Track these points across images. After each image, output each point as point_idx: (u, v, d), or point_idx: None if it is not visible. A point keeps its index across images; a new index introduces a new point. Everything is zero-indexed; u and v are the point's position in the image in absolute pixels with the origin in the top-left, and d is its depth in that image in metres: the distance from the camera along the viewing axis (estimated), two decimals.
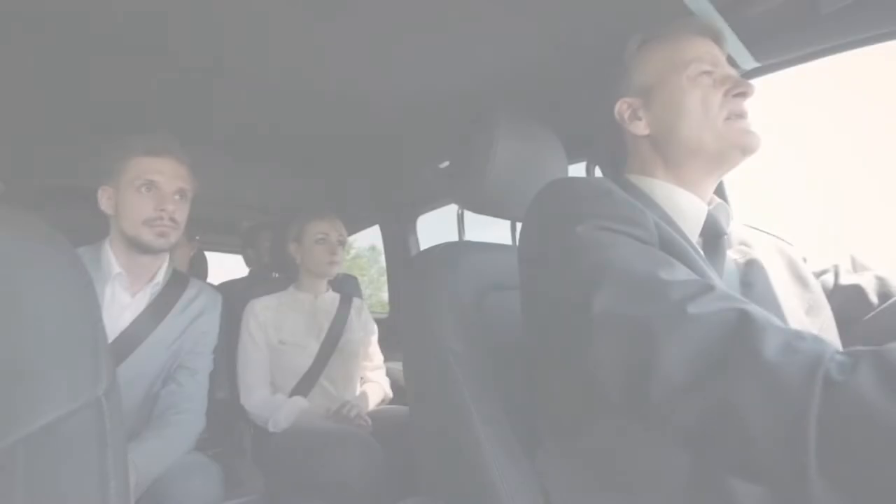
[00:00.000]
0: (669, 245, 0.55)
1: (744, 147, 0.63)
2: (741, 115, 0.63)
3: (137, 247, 1.03)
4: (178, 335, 1.12)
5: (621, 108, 0.70)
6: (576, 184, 0.60)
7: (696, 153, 0.64)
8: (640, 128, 0.68)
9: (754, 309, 0.41)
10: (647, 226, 0.54)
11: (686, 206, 0.64)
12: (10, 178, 1.57)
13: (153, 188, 1.02)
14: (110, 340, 0.96)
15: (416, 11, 0.89)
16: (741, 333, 0.39)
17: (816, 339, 0.38)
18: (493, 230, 0.99)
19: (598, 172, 1.23)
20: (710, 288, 0.45)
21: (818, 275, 0.76)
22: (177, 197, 1.05)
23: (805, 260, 0.76)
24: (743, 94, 0.63)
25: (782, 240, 0.78)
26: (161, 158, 1.03)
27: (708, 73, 0.64)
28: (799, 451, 0.34)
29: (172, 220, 1.03)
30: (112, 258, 1.04)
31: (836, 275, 0.77)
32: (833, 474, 0.33)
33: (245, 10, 0.89)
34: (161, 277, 1.11)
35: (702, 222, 0.64)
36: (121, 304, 1.04)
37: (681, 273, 0.48)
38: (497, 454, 0.61)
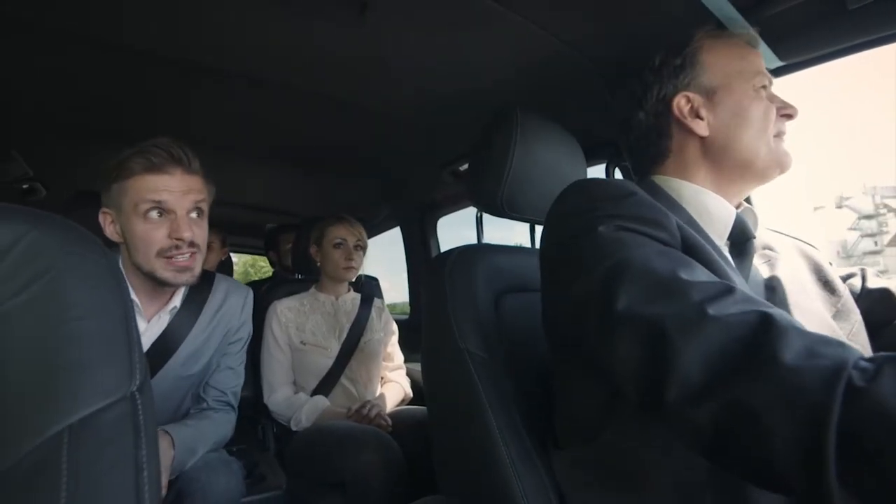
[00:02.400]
0: (693, 248, 0.54)
1: (783, 166, 0.65)
2: (783, 136, 0.65)
3: (155, 281, 0.90)
4: (208, 350, 1.04)
5: (680, 102, 0.66)
6: (598, 185, 0.60)
7: (748, 164, 0.65)
8: (701, 127, 0.65)
9: (776, 312, 0.40)
10: (670, 228, 0.54)
11: (714, 209, 0.64)
12: (51, 184, 1.65)
13: (163, 211, 0.86)
14: None
15: (437, 12, 0.89)
16: (761, 336, 0.38)
17: (841, 345, 0.38)
18: (517, 229, 0.99)
19: (618, 174, 1.22)
20: (731, 290, 0.44)
21: (844, 278, 0.74)
22: (193, 215, 0.90)
23: (831, 264, 0.74)
24: (789, 116, 0.66)
25: (807, 243, 0.77)
26: (166, 174, 0.86)
27: (766, 87, 0.66)
28: (818, 459, 0.33)
29: (192, 245, 0.88)
30: (126, 285, 0.93)
31: (864, 278, 0.75)
32: (852, 484, 0.32)
33: (267, 15, 0.91)
34: (179, 301, 0.99)
35: (730, 226, 0.64)
36: None
37: (701, 274, 0.48)
38: (512, 455, 0.62)
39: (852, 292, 0.72)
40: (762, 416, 0.36)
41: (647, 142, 0.71)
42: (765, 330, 0.39)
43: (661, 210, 0.55)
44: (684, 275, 0.46)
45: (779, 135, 0.65)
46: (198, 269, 0.93)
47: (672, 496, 0.52)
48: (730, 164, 0.65)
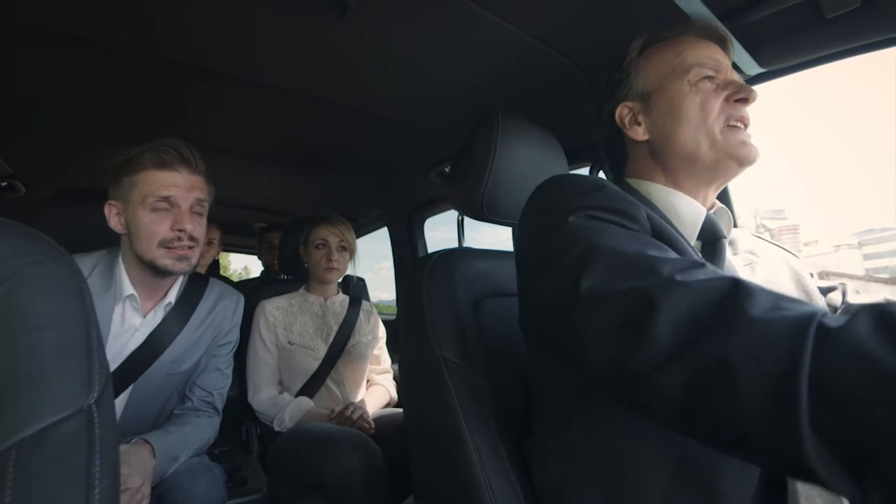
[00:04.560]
0: (663, 238, 0.54)
1: (740, 158, 0.62)
2: (741, 122, 0.62)
3: (154, 270, 0.94)
4: (198, 349, 1.06)
5: (622, 112, 0.69)
6: (569, 179, 0.61)
7: (692, 161, 0.63)
8: (639, 133, 0.67)
9: (746, 280, 0.40)
10: (640, 219, 0.54)
11: (683, 210, 0.64)
12: (30, 181, 1.63)
13: (168, 205, 0.92)
14: (119, 362, 0.93)
15: (424, 13, 0.89)
16: (730, 297, 0.38)
17: (808, 303, 0.37)
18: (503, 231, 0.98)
19: (601, 176, 1.23)
20: (701, 264, 0.44)
21: (825, 291, 0.74)
22: (195, 211, 0.96)
23: (812, 276, 0.75)
24: (744, 100, 0.62)
25: (790, 252, 0.77)
26: (174, 171, 0.93)
27: (710, 77, 0.63)
28: (791, 407, 0.32)
29: (192, 238, 0.94)
30: (125, 278, 0.95)
31: (844, 293, 0.75)
32: (827, 430, 0.31)
33: (255, 15, 0.90)
34: (174, 297, 1.02)
35: (699, 226, 0.63)
36: (132, 326, 0.97)
37: (671, 254, 0.48)
38: (483, 460, 0.62)
39: (832, 305, 0.72)
40: (732, 371, 0.35)
41: (611, 150, 0.74)
42: (733, 291, 0.38)
43: (631, 201, 0.56)
44: (653, 253, 0.46)
45: (732, 123, 0.62)
46: (194, 261, 0.97)
47: (643, 487, 0.52)
48: (676, 163, 0.65)
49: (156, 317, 1.00)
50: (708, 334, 0.37)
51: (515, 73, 1.08)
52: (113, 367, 0.91)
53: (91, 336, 0.38)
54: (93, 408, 0.34)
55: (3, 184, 1.57)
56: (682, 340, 0.38)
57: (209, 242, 2.12)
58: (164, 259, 0.92)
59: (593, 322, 0.45)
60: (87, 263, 0.96)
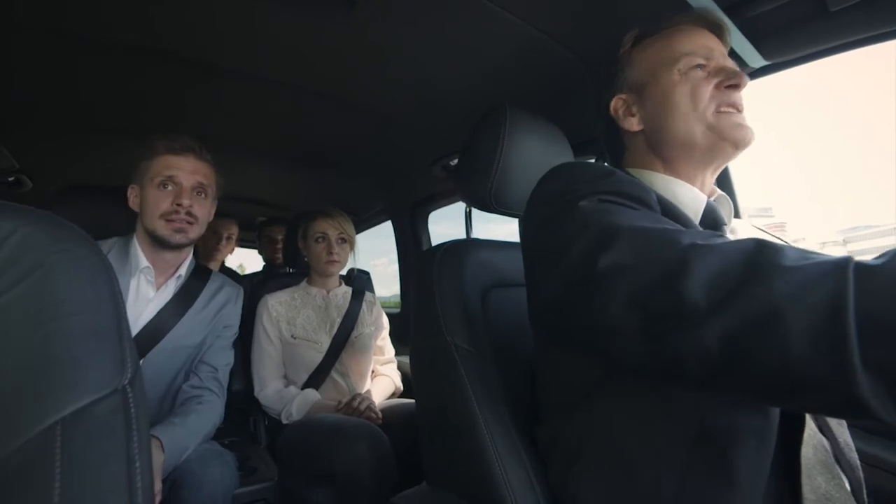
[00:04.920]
0: (675, 220, 0.55)
1: (735, 141, 0.62)
2: (733, 107, 0.62)
3: (156, 241, 1.05)
4: (202, 329, 1.14)
5: (616, 104, 0.70)
6: (578, 166, 0.62)
7: (687, 147, 0.64)
8: (633, 124, 0.69)
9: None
10: (651, 203, 0.55)
11: (684, 197, 0.64)
12: (37, 177, 1.64)
13: (172, 184, 1.05)
14: (134, 333, 1.00)
15: (429, 8, 0.90)
16: (759, 254, 0.38)
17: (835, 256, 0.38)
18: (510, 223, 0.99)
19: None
20: (720, 235, 0.44)
21: None
22: (196, 192, 1.07)
23: None
24: (735, 86, 0.62)
25: (789, 243, 0.78)
26: (180, 156, 1.06)
27: (701, 66, 0.63)
28: (840, 345, 0.32)
29: (189, 214, 1.05)
30: (140, 252, 1.07)
31: None
32: (877, 362, 0.31)
33: (258, 11, 0.91)
34: (184, 271, 1.13)
35: (700, 213, 0.64)
36: (145, 298, 1.07)
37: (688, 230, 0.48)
38: (497, 446, 0.63)
39: None
40: (773, 316, 0.35)
41: (610, 141, 0.75)
42: (760, 248, 0.39)
43: (641, 186, 0.56)
44: (672, 227, 0.46)
45: (724, 109, 0.62)
46: (192, 235, 1.08)
47: (655, 476, 0.53)
48: (672, 151, 0.65)
49: (167, 290, 1.11)
50: (744, 287, 0.37)
51: (520, 69, 1.09)
52: None
53: (121, 319, 0.39)
54: (127, 388, 0.36)
55: (11, 179, 1.58)
56: (717, 297, 0.38)
57: (228, 238, 2.14)
58: (164, 230, 1.04)
59: (617, 296, 0.44)
60: (104, 247, 1.07)
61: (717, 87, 0.62)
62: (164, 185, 1.04)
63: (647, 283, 0.43)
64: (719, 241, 0.42)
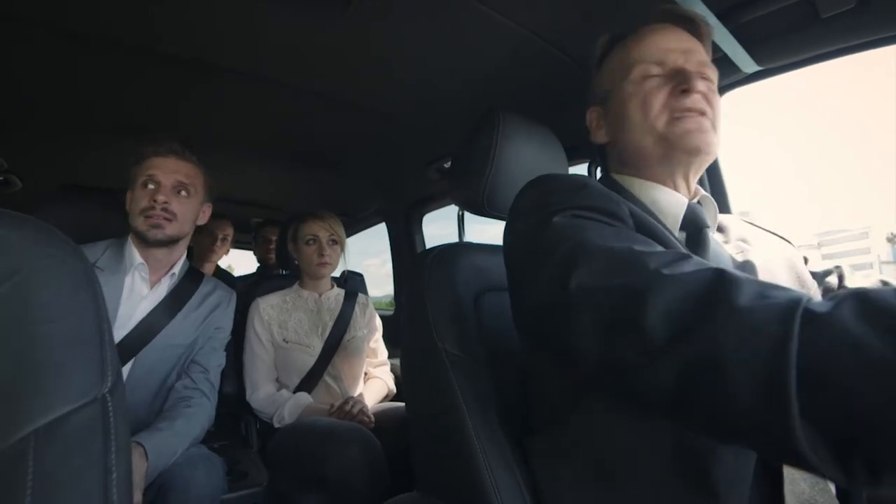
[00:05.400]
0: (647, 232, 0.55)
1: (687, 148, 0.60)
2: (689, 111, 0.60)
3: (139, 238, 1.10)
4: (194, 329, 1.16)
5: (590, 116, 0.72)
6: (553, 179, 0.62)
7: (644, 157, 0.64)
8: (601, 136, 0.70)
9: (732, 270, 0.41)
10: (623, 216, 0.55)
11: (664, 201, 0.64)
12: (27, 176, 1.62)
13: (152, 182, 1.09)
14: (128, 331, 1.04)
15: (425, 10, 0.89)
16: (716, 287, 0.39)
17: (793, 290, 0.38)
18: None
19: (600, 173, 1.24)
20: (687, 256, 0.44)
21: (822, 275, 0.75)
22: (177, 191, 1.11)
23: (806, 260, 0.75)
24: (685, 91, 0.59)
25: (783, 239, 0.77)
26: (163, 157, 1.10)
27: (654, 74, 0.62)
28: (780, 392, 0.32)
29: (165, 210, 1.08)
30: (134, 250, 1.10)
31: (841, 277, 0.75)
32: (815, 415, 0.31)
33: (255, 12, 0.90)
34: (178, 270, 1.16)
35: (681, 217, 0.63)
36: (139, 295, 1.10)
37: (657, 248, 0.48)
38: (486, 452, 0.63)
39: (829, 289, 0.72)
40: (722, 359, 0.35)
41: (598, 149, 0.75)
42: (719, 282, 0.39)
43: (613, 198, 0.56)
44: (639, 248, 0.46)
45: (678, 115, 0.60)
46: (169, 231, 1.10)
47: (640, 484, 0.53)
48: (634, 161, 0.65)
49: (160, 288, 1.14)
50: (696, 325, 0.38)
51: (516, 70, 1.09)
52: (122, 334, 1.04)
53: (103, 327, 0.39)
54: (107, 397, 0.35)
55: (0, 178, 1.56)
56: (671, 332, 0.38)
57: (223, 239, 2.14)
58: (142, 226, 1.08)
59: (583, 318, 0.45)
60: (100, 247, 1.10)
61: (670, 93, 0.60)
62: (145, 184, 1.08)
63: (609, 309, 0.43)
64: (684, 266, 0.42)
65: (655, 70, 0.62)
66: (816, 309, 0.34)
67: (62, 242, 0.40)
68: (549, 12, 0.90)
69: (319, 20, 0.93)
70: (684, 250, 0.55)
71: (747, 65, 0.88)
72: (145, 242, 1.10)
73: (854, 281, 0.74)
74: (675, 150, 0.61)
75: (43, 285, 0.36)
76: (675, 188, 0.65)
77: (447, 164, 1.59)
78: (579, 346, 0.45)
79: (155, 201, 1.07)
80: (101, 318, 0.39)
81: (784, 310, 0.34)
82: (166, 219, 1.09)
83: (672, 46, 0.63)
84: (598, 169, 1.22)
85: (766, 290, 0.37)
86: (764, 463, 0.51)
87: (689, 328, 0.38)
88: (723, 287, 0.38)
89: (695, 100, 0.60)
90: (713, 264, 0.43)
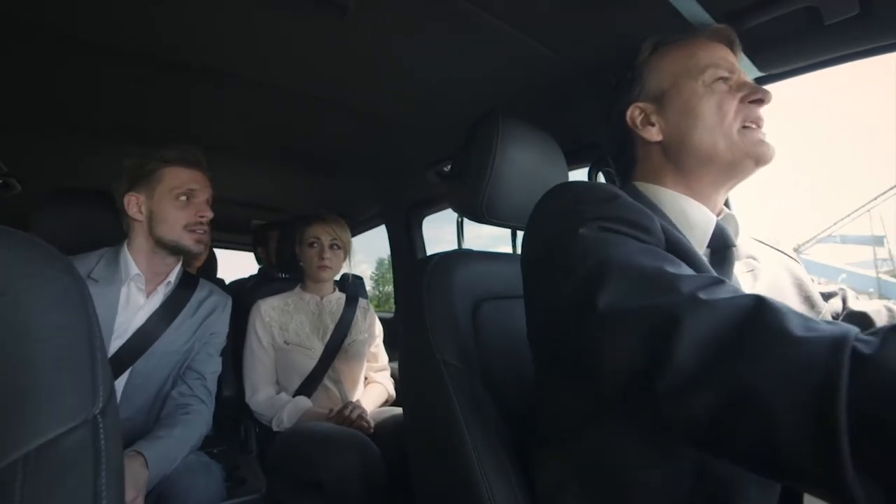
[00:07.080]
0: (678, 250, 0.53)
1: (757, 157, 0.61)
2: (757, 124, 0.62)
3: (175, 250, 1.10)
4: (190, 336, 1.15)
5: (633, 113, 0.68)
6: (579, 187, 0.59)
7: (709, 161, 0.62)
8: (653, 133, 0.66)
9: (772, 299, 0.39)
10: (655, 231, 0.53)
11: (694, 216, 0.63)
12: (27, 180, 1.62)
13: (191, 197, 1.10)
14: (124, 341, 1.02)
15: (423, 14, 0.89)
16: (756, 316, 0.37)
17: (837, 323, 0.36)
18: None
19: (600, 178, 1.23)
20: (721, 281, 0.43)
21: (825, 297, 0.74)
22: (209, 204, 1.14)
23: (813, 280, 0.74)
24: (760, 101, 0.62)
25: (791, 257, 0.76)
26: (195, 170, 1.12)
27: (724, 79, 0.63)
28: (828, 433, 0.30)
29: (207, 225, 1.13)
30: (130, 260, 1.08)
31: (844, 300, 0.75)
32: (867, 457, 0.30)
33: (254, 15, 0.90)
34: (174, 278, 1.15)
35: (710, 233, 0.62)
36: (136, 305, 1.09)
37: (687, 270, 0.47)
38: (483, 464, 0.62)
39: (833, 312, 0.72)
40: (763, 395, 0.33)
41: (620, 152, 0.73)
42: (760, 311, 0.37)
43: (645, 213, 0.54)
44: (670, 269, 0.45)
45: (748, 124, 0.62)
46: (207, 242, 1.14)
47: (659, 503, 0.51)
48: (691, 163, 0.64)
49: (156, 297, 1.13)
50: (734, 357, 0.36)
51: (514, 75, 1.08)
52: (119, 344, 1.03)
53: (94, 345, 0.38)
54: (98, 418, 0.34)
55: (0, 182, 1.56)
56: (707, 363, 0.37)
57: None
58: (187, 240, 1.09)
59: (612, 340, 0.43)
60: (93, 257, 1.07)
61: (741, 101, 0.62)
62: (183, 196, 1.09)
63: (642, 335, 0.41)
64: (720, 292, 0.41)
65: (728, 75, 0.63)
66: (864, 349, 0.32)
67: (52, 258, 0.39)
68: (548, 17, 0.89)
69: (318, 25, 0.93)
70: (715, 274, 0.54)
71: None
72: (176, 252, 1.11)
73: (858, 305, 0.73)
74: (746, 157, 0.61)
75: (32, 305, 0.36)
76: (708, 202, 0.65)
77: (447, 168, 1.59)
78: (605, 367, 0.44)
79: (202, 217, 1.10)
80: (93, 336, 0.38)
81: (832, 345, 0.33)
82: (206, 231, 1.12)
83: (733, 62, 0.65)
84: (599, 174, 1.22)
85: (811, 323, 0.36)
86: (786, 490, 0.50)
87: (727, 358, 0.36)
88: (765, 317, 0.37)
89: (762, 113, 0.63)
90: (746, 290, 0.42)
